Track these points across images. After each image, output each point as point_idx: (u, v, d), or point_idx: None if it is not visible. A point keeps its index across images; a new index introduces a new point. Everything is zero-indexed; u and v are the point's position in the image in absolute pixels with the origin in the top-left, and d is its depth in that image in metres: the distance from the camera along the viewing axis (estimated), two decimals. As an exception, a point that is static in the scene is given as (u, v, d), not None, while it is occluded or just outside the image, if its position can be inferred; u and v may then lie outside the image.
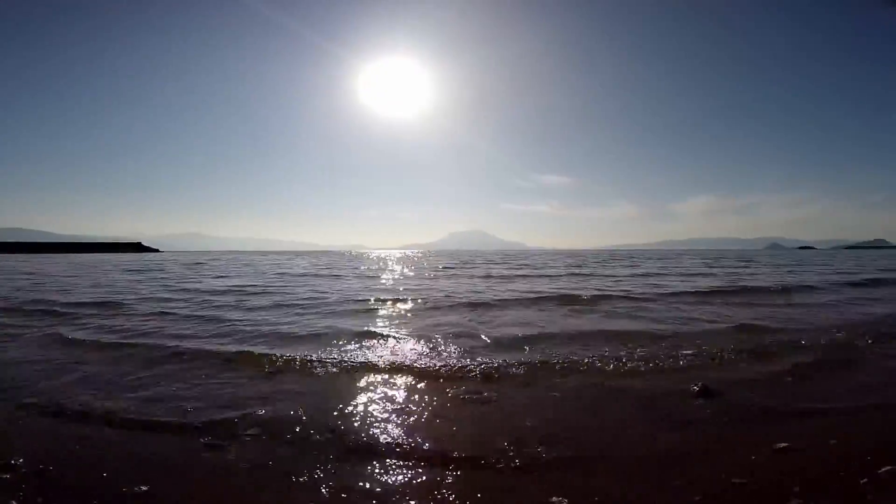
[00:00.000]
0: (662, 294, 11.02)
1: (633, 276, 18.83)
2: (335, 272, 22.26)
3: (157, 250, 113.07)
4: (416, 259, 45.49)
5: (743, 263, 30.02)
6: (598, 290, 12.30)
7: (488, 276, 18.67)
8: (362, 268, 27.46)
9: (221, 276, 19.36)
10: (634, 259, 40.21)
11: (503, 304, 9.41)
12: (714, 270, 21.69)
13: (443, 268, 25.58)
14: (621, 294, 11.02)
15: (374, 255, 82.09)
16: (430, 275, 20.39)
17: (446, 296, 10.99)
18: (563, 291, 11.59)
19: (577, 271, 21.63)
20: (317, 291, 12.25)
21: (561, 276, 19.27)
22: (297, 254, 77.94)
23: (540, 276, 19.30)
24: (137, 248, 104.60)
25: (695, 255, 51.88)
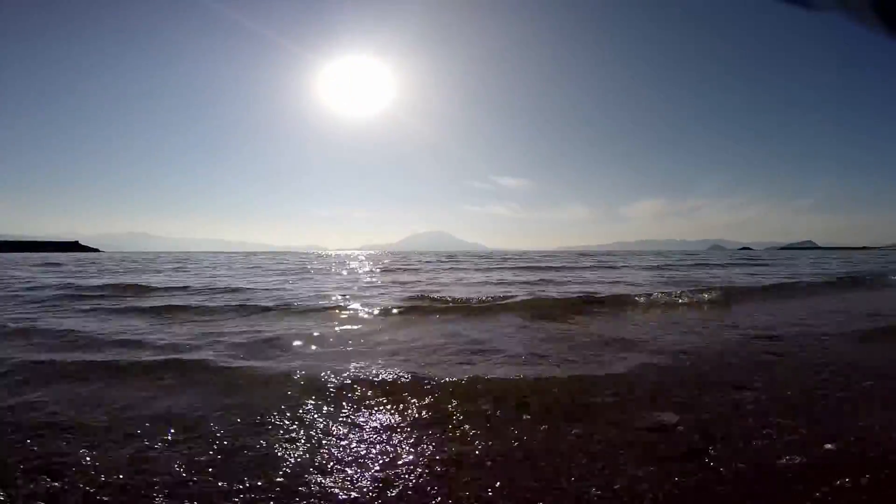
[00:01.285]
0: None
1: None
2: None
3: (96, 250, 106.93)
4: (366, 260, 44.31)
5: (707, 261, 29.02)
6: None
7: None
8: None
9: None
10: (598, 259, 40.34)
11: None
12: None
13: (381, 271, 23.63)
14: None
15: (330, 255, 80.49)
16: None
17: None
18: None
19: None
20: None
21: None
22: (251, 254, 75.14)
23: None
24: (74, 247, 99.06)
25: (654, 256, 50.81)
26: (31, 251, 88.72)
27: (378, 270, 19.66)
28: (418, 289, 10.61)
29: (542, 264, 23.83)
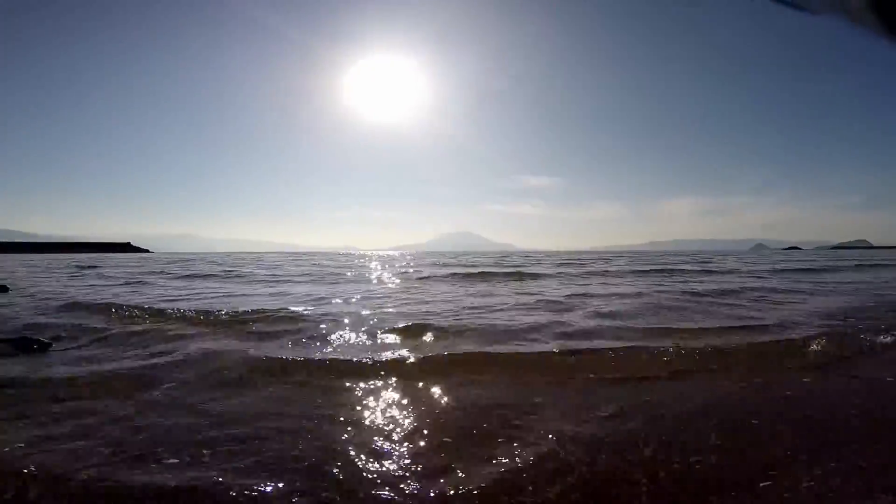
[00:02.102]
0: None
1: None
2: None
3: (147, 251, 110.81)
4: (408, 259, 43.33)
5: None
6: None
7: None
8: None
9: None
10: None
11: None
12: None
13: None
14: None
15: (369, 254, 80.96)
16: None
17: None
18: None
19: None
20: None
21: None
22: (295, 255, 76.37)
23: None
24: (126, 248, 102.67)
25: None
26: (88, 251, 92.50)
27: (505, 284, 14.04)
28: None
29: (647, 265, 23.18)
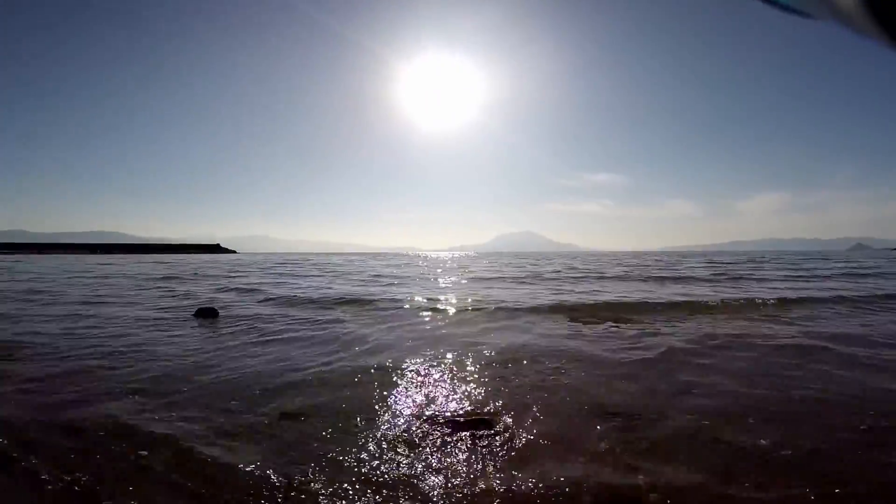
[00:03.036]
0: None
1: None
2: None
3: (234, 251, 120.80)
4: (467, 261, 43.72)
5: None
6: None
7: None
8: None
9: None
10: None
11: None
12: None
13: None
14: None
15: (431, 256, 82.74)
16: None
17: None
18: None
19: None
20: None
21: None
22: (369, 255, 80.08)
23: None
24: (216, 249, 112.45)
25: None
26: (184, 253, 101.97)
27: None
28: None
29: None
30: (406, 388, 3.45)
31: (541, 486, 2.04)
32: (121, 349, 4.75)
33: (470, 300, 9.24)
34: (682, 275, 17.01)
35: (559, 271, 20.21)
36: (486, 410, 2.95)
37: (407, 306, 8.46)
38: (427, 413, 2.93)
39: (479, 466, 2.22)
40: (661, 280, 14.62)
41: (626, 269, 22.16)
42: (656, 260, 39.29)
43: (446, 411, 2.94)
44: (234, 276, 17.18)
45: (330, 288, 12.20)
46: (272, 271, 21.15)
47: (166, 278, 15.77)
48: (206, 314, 7.04)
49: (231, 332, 5.76)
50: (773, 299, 8.89)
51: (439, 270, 22.48)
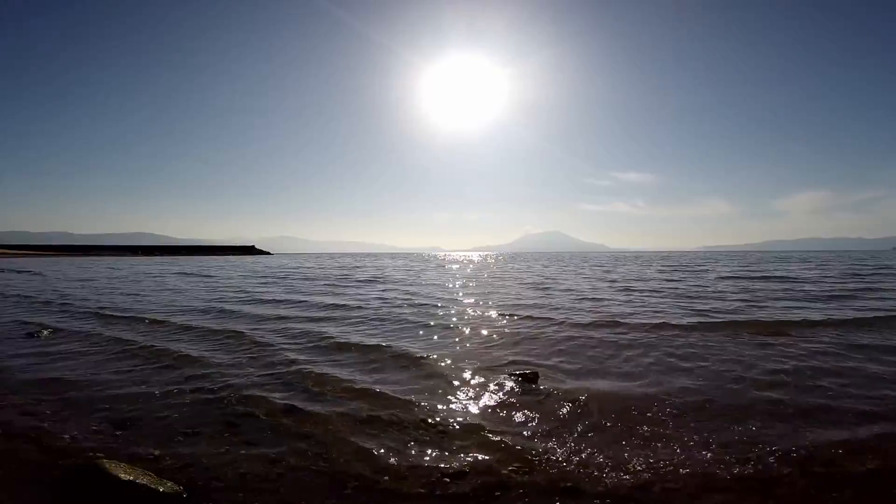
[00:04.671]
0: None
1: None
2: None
3: (269, 253, 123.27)
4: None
5: None
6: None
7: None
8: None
9: None
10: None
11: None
12: None
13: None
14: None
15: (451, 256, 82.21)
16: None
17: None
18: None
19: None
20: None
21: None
22: (395, 255, 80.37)
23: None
24: (251, 251, 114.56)
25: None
26: (222, 254, 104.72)
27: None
28: None
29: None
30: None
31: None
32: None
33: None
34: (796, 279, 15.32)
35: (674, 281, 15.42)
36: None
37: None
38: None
39: None
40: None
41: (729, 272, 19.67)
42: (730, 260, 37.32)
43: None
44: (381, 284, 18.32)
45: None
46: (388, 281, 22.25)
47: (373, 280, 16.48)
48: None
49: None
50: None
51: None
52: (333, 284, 14.30)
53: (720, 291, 10.96)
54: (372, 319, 6.99)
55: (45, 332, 5.70)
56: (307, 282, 15.44)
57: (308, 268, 26.73)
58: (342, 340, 5.29)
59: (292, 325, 6.40)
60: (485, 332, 5.87)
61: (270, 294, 10.96)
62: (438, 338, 5.65)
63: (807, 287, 11.76)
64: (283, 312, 7.81)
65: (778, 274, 17.24)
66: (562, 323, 6.48)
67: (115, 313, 7.68)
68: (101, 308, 8.35)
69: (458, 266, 30.01)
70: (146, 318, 7.03)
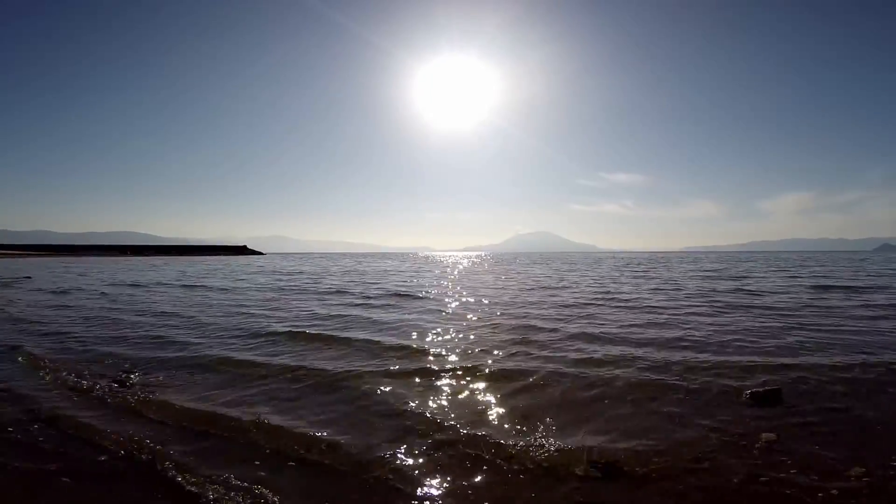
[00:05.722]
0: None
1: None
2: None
3: (261, 253, 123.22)
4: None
5: None
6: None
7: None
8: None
9: None
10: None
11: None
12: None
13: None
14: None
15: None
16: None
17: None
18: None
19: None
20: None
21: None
22: (387, 255, 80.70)
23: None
24: (243, 251, 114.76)
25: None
26: (213, 255, 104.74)
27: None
28: None
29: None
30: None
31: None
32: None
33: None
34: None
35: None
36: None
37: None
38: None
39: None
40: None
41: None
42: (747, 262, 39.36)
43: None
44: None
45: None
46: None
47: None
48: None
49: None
50: None
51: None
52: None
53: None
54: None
55: None
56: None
57: (313, 273, 27.46)
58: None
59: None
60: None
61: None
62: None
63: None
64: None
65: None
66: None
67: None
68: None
69: (441, 270, 30.63)
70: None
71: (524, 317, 9.57)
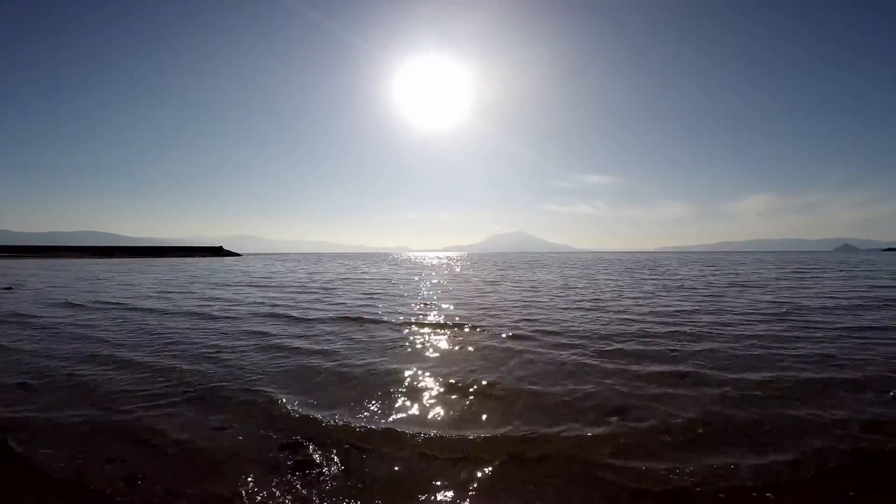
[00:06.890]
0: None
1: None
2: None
3: (237, 254, 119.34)
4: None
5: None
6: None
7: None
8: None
9: None
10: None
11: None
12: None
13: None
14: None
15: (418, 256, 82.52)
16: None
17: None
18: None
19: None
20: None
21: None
22: (367, 255, 79.97)
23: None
24: (219, 252, 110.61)
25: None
26: (187, 256, 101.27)
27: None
28: None
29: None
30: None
31: None
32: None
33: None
34: None
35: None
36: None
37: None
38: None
39: None
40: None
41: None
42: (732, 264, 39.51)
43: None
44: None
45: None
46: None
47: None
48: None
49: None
50: None
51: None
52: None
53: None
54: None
55: None
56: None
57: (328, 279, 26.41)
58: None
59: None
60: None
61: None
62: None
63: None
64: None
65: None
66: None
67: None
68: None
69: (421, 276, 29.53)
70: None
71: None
